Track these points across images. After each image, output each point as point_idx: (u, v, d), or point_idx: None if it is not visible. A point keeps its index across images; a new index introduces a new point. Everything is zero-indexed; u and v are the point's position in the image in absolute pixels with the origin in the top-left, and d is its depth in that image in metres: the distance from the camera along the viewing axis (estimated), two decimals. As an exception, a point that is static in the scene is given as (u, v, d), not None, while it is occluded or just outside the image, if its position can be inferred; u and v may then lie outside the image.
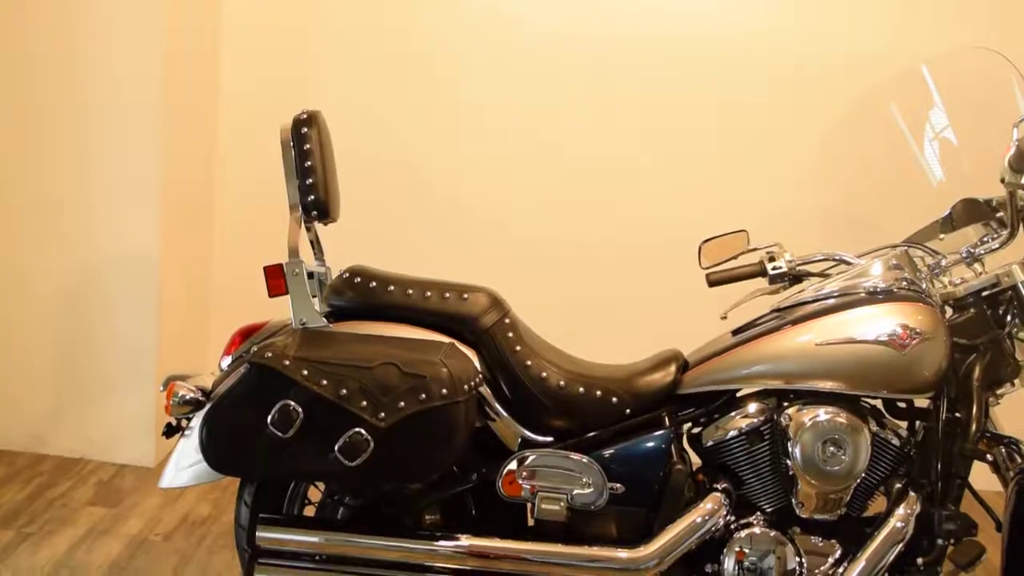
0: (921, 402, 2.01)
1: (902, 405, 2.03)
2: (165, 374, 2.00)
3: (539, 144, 3.62)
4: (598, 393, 2.01)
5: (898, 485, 1.97)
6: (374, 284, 2.03)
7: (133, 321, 3.33)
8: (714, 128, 3.57)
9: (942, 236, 2.12)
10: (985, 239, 2.05)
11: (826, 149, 3.46)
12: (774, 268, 2.11)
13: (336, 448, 1.79)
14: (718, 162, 3.59)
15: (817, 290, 2.04)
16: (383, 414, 1.78)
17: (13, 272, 3.36)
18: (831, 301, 1.99)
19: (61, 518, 2.94)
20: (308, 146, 1.99)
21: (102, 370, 3.38)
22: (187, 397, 1.95)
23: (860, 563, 1.92)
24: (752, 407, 2.00)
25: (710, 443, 2.03)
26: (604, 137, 3.60)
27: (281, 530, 1.97)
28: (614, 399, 2.01)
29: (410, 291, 2.02)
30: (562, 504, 1.95)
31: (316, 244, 2.15)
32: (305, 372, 1.80)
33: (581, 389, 2.01)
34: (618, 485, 1.97)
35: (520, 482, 1.96)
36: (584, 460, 1.96)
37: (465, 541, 1.93)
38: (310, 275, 2.01)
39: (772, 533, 1.96)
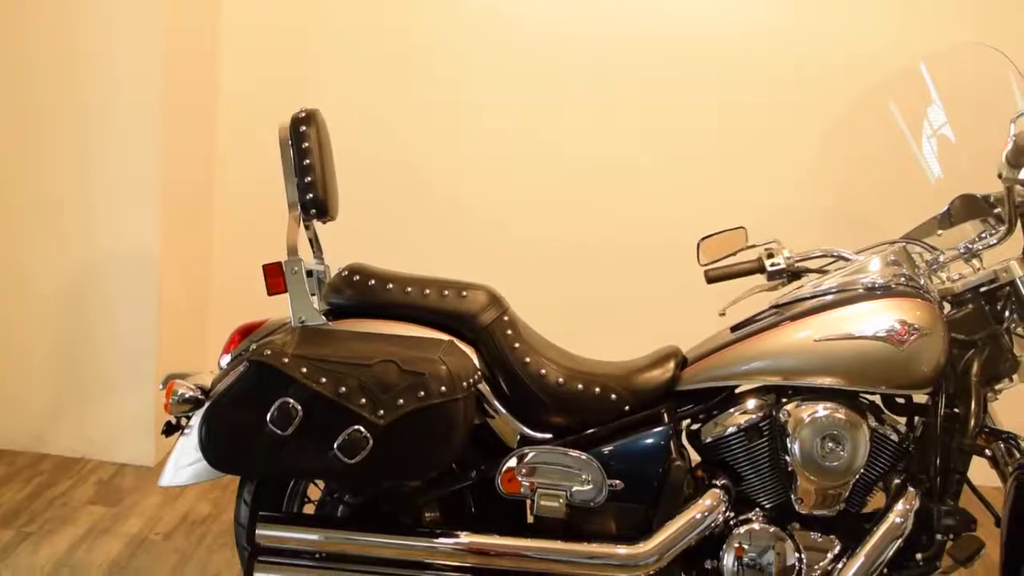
0: (920, 398, 2.01)
1: (901, 401, 2.03)
2: (165, 373, 2.01)
3: (539, 144, 3.62)
4: (597, 390, 2.01)
5: (897, 481, 1.97)
6: (373, 282, 2.03)
7: (133, 321, 3.33)
8: (714, 128, 3.56)
9: (940, 232, 2.12)
10: (983, 235, 2.06)
11: (826, 148, 3.46)
12: (772, 264, 2.11)
13: (335, 446, 1.79)
14: (718, 162, 3.58)
15: (816, 286, 2.04)
16: (382, 411, 1.79)
17: (13, 272, 3.36)
18: (829, 297, 1.99)
19: (61, 517, 2.94)
20: (307, 144, 1.99)
21: (102, 369, 3.38)
22: (186, 395, 1.95)
23: (859, 559, 1.92)
24: (751, 403, 2.01)
25: (709, 439, 2.03)
26: (604, 137, 3.60)
27: (281, 528, 1.97)
28: (613, 396, 2.01)
29: (409, 289, 2.02)
30: (561, 501, 1.95)
31: (315, 242, 2.15)
32: (304, 370, 1.80)
33: (580, 386, 2.01)
34: (617, 482, 1.96)
35: (519, 479, 1.96)
36: (583, 457, 1.96)
37: (465, 538, 1.93)
38: (309, 273, 2.01)
39: (771, 529, 1.97)
